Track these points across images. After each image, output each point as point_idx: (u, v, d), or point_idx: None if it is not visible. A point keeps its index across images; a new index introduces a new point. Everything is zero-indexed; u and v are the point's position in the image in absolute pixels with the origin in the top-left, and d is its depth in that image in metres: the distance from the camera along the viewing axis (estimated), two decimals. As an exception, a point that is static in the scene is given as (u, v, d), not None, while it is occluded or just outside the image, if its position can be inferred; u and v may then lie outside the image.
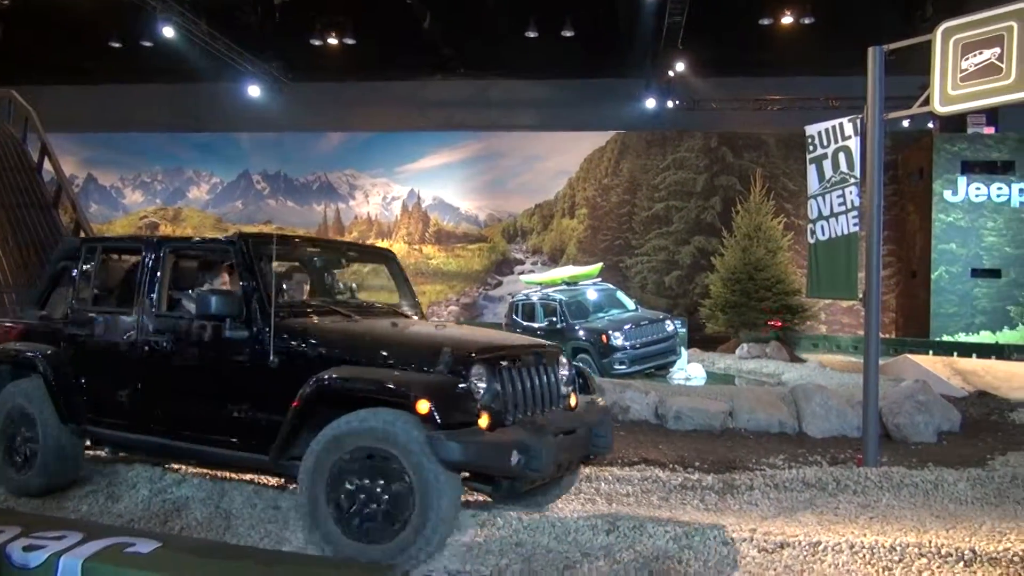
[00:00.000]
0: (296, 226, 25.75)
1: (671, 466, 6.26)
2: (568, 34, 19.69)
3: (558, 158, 24.61)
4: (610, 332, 11.84)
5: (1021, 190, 19.53)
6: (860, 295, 6.46)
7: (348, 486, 3.77)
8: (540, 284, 14.64)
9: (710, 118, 23.09)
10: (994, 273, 19.55)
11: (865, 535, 4.28)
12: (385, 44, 21.26)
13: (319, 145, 26.13)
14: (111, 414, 4.87)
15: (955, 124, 19.87)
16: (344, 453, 3.79)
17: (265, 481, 5.23)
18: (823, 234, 6.74)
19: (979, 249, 19.57)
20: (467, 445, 3.63)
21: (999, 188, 19.59)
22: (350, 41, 20.48)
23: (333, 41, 20.55)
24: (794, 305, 17.46)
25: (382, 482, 3.73)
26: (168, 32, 17.90)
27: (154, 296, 4.83)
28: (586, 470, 5.77)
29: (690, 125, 23.53)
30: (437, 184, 25.29)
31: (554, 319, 12.73)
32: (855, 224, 6.54)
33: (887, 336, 19.00)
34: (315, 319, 4.57)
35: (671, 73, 20.61)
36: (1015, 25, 5.58)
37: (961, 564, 3.94)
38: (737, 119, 23.01)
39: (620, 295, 13.93)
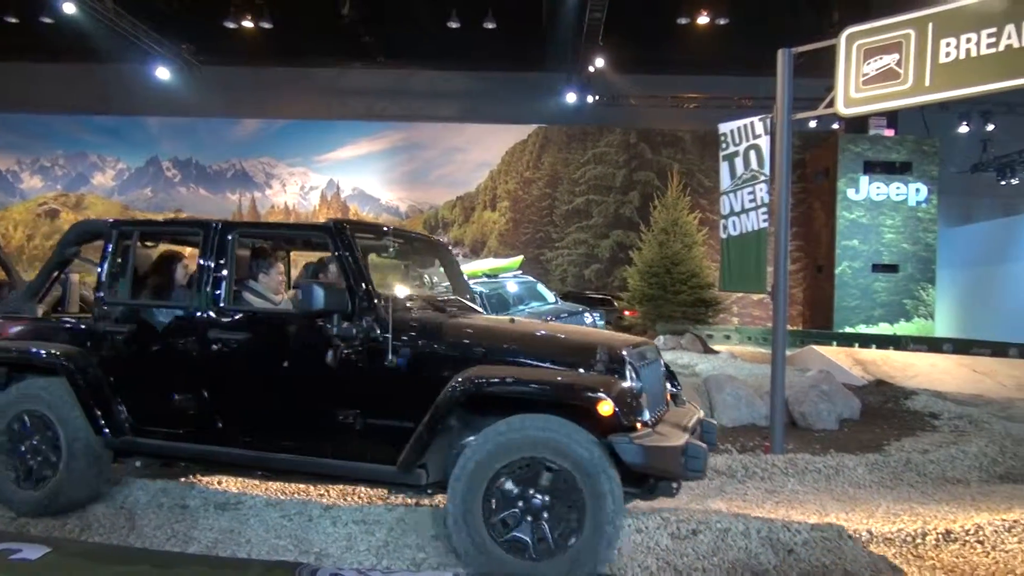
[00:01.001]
0: (208, 215, 24.92)
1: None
2: (490, 26, 19.67)
3: (480, 150, 24.63)
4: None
5: (917, 190, 20.66)
6: (769, 288, 6.70)
7: (510, 499, 3.43)
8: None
9: (629, 114, 23.52)
10: (892, 268, 20.65)
11: (772, 519, 4.44)
12: (303, 29, 20.75)
13: (233, 132, 25.31)
14: (164, 423, 4.21)
15: (858, 126, 20.87)
16: (505, 462, 3.43)
17: (171, 479, 5.04)
18: (735, 230, 6.95)
19: (879, 245, 20.62)
20: (649, 449, 3.36)
21: (898, 188, 20.67)
22: (266, 25, 19.89)
23: (248, 24, 19.91)
24: (708, 298, 17.97)
25: (549, 493, 3.41)
26: (69, 8, 16.94)
27: (222, 289, 4.21)
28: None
29: (610, 120, 23.93)
30: (357, 174, 24.91)
31: (475, 311, 12.71)
32: (765, 220, 6.77)
33: (794, 328, 19.80)
34: (428, 314, 4.10)
35: (592, 68, 20.87)
36: (912, 33, 5.87)
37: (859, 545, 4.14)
38: (655, 116, 23.51)
39: (540, 288, 14.03)
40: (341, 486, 4.91)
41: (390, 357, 3.71)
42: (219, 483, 4.94)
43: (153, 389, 4.25)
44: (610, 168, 24.10)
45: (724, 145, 7.12)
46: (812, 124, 20.12)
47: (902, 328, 19.97)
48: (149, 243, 4.95)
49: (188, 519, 4.34)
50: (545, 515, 3.40)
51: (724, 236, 7.06)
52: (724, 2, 19.02)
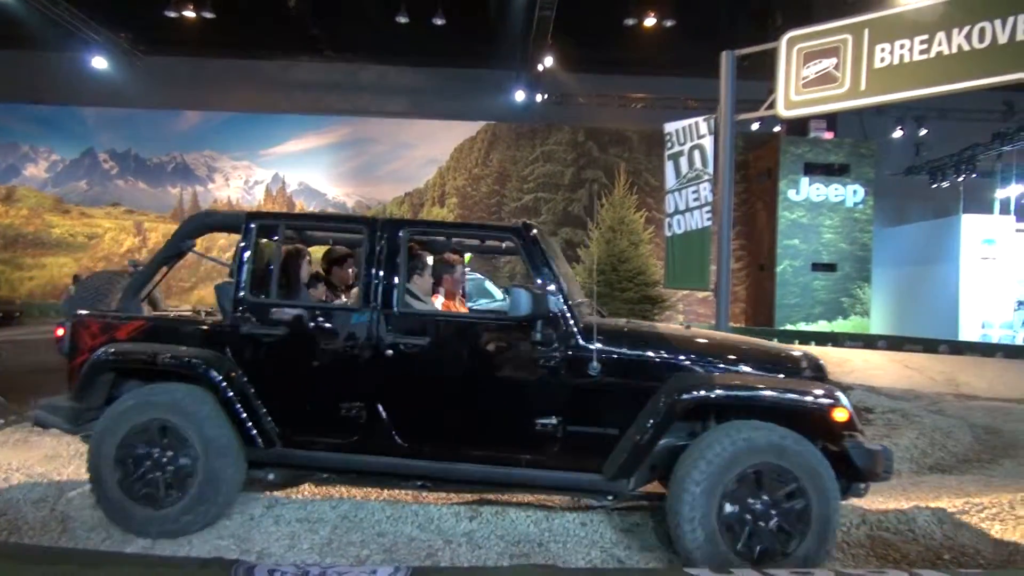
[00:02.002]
0: (148, 210, 24.23)
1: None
2: (439, 22, 19.59)
3: (428, 146, 24.51)
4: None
5: (855, 191, 21.32)
6: (712, 286, 6.84)
7: (743, 504, 3.46)
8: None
9: (577, 113, 23.71)
10: (831, 267, 21.27)
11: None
12: (248, 20, 20.35)
13: (174, 124, 24.66)
14: (323, 433, 3.93)
15: (799, 129, 21.43)
16: (740, 469, 3.45)
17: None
18: (679, 228, 7.08)
19: (819, 245, 21.22)
20: (874, 452, 3.51)
21: (836, 189, 21.29)
22: (209, 15, 19.43)
23: (190, 14, 19.43)
24: (654, 296, 18.24)
25: (779, 500, 3.45)
26: (-1, -8, 16.30)
27: (395, 291, 3.94)
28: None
29: (558, 119, 24.08)
30: (303, 169, 24.52)
31: (423, 308, 12.64)
32: (708, 219, 6.91)
33: (737, 325, 20.24)
34: (620, 321, 4.10)
35: (540, 67, 20.97)
36: (849, 38, 6.05)
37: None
38: (603, 115, 23.75)
39: (488, 285, 14.01)
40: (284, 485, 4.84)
41: (594, 364, 3.68)
42: (157, 483, 4.82)
43: (309, 397, 3.97)
44: (559, 166, 24.24)
45: (669, 144, 7.24)
46: (755, 126, 20.58)
47: (839, 325, 20.60)
48: (264, 239, 4.43)
49: (124, 520, 4.21)
50: (774, 521, 3.46)
51: (669, 234, 7.18)
52: (671, 4, 19.32)
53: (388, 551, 3.78)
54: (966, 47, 5.54)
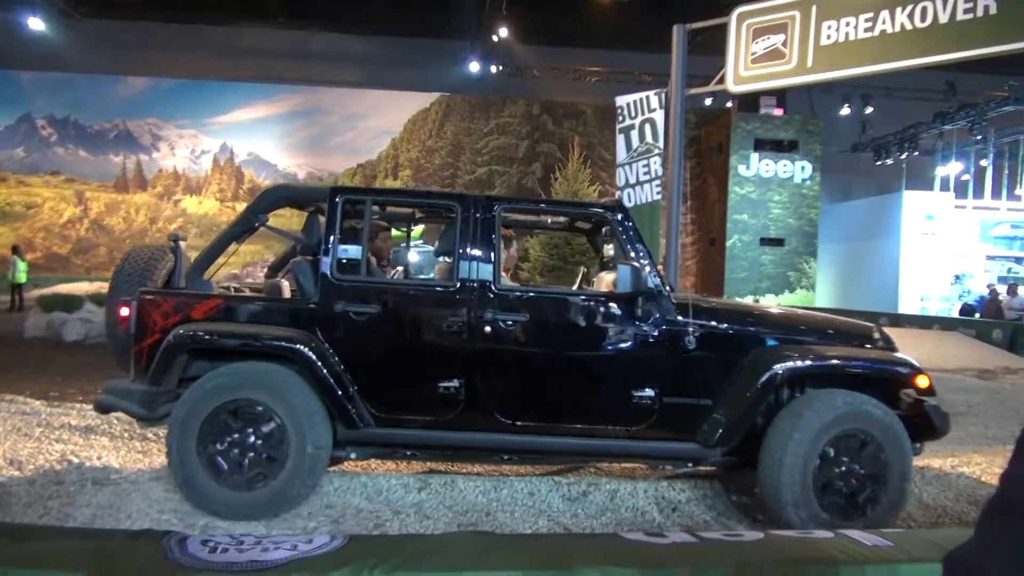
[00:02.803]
0: (89, 178, 23.45)
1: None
2: (392, -10, 19.25)
3: (381, 117, 24.16)
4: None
5: (803, 167, 21.70)
6: (661, 259, 6.92)
7: (831, 466, 3.72)
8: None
9: (532, 85, 23.59)
10: (778, 242, 21.70)
11: (660, 482, 4.64)
12: (193, -17, 19.69)
13: (117, 90, 23.82)
14: (415, 412, 3.91)
15: (750, 105, 21.66)
16: (833, 434, 3.70)
17: (47, 456, 4.78)
18: (629, 201, 7.13)
19: (767, 220, 21.61)
20: (946, 415, 3.91)
21: (785, 165, 21.65)
22: (152, -24, 18.75)
23: (132, -25, 18.70)
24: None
25: (863, 461, 3.73)
26: (-76, -53, 15.43)
27: (492, 267, 3.93)
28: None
29: (513, 91, 23.93)
30: (252, 138, 23.97)
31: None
32: (658, 192, 6.97)
33: (688, 299, 20.51)
34: (707, 298, 4.24)
35: (495, 38, 20.77)
36: (797, 15, 6.12)
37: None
38: (558, 88, 23.67)
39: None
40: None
41: (690, 337, 3.84)
42: (98, 458, 4.73)
43: (403, 375, 3.93)
44: (513, 139, 24.15)
45: (621, 118, 7.26)
46: (708, 101, 20.77)
47: (786, 299, 21.08)
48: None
49: (63, 496, 4.12)
50: (859, 481, 3.72)
51: (620, 208, 7.23)
52: (626, -23, 19.25)
53: (335, 522, 3.78)
54: (908, 26, 5.65)
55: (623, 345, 3.91)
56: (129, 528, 3.59)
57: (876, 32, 5.76)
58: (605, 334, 3.93)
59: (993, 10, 5.24)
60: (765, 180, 21.55)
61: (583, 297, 4.08)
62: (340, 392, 3.78)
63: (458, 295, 3.90)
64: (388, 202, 4.64)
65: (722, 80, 6.57)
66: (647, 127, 7.05)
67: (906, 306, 19.78)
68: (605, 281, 4.53)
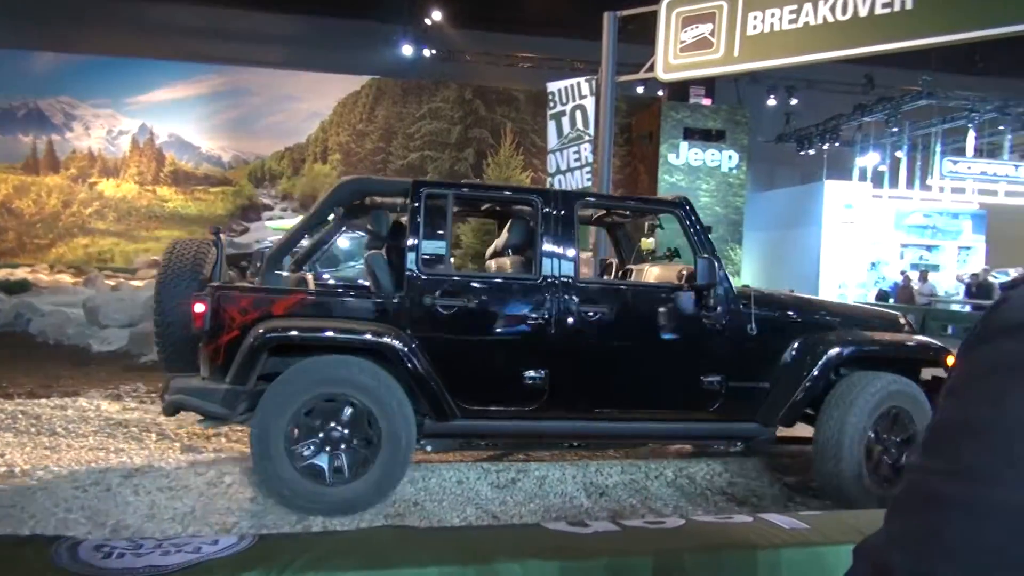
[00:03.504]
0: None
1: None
2: (320, -32, 18.75)
3: (310, 100, 23.58)
4: (359, 281, 11.67)
5: (730, 157, 22.19)
6: (591, 247, 6.95)
7: (881, 444, 4.15)
8: (289, 231, 14.01)
9: (465, 70, 23.40)
10: (707, 229, 22.12)
11: (588, 467, 4.66)
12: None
13: (25, 65, 22.56)
14: (498, 402, 3.98)
15: (680, 94, 21.99)
16: (882, 411, 4.13)
17: (-56, 452, 4.48)
18: (560, 187, 7.12)
19: (696, 208, 22.01)
20: None
21: (713, 154, 22.09)
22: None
23: (40, -57, 17.69)
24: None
25: (904, 436, 4.16)
26: None
27: (573, 261, 4.07)
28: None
29: (445, 76, 23.68)
30: (174, 119, 23.08)
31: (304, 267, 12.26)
32: (588, 179, 6.99)
33: (619, 285, 20.77)
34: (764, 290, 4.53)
35: (428, 21, 20.50)
36: (725, 5, 6.20)
37: (663, 484, 4.43)
38: (491, 73, 23.54)
39: (372, 244, 13.77)
40: (146, 453, 4.60)
41: (752, 325, 4.14)
42: (0, 456, 4.46)
43: (488, 367, 3.99)
44: (445, 124, 23.93)
45: (552, 104, 7.24)
46: (640, 90, 20.97)
47: (713, 285, 21.54)
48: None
49: (-36, 491, 3.88)
50: (895, 451, 4.15)
51: (550, 194, 7.22)
52: (558, -37, 19.23)
53: (257, 517, 3.66)
54: (830, 19, 5.78)
55: (695, 334, 4.15)
56: (35, 531, 3.40)
57: (800, 24, 5.88)
58: (679, 324, 4.15)
59: (909, 5, 5.41)
60: (694, 169, 21.95)
61: (660, 289, 4.26)
62: (431, 385, 3.83)
63: (541, 288, 4.01)
64: (468, 196, 4.60)
65: (652, 68, 6.62)
66: (578, 113, 7.06)
67: (826, 292, 20.50)
68: (652, 274, 4.80)
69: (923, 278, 17.59)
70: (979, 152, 21.79)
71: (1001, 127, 21.31)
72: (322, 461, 3.69)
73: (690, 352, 4.17)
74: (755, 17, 6.10)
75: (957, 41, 5.78)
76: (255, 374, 3.70)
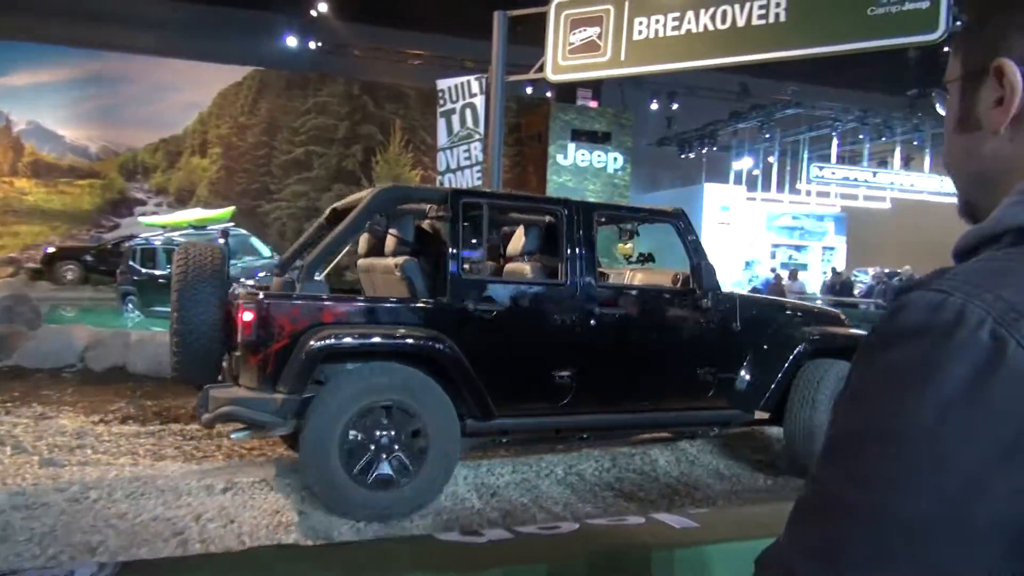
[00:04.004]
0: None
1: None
2: (198, -48, 17.84)
3: (188, 90, 22.41)
4: (242, 280, 11.20)
5: (615, 159, 22.78)
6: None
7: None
8: (163, 227, 13.28)
9: (353, 65, 22.90)
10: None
11: (479, 468, 4.63)
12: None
13: None
14: (532, 400, 4.22)
15: (568, 96, 22.37)
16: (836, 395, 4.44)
17: None
18: (450, 186, 7.07)
19: (583, 208, 22.46)
20: None
21: (599, 156, 22.61)
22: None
23: None
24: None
25: None
26: None
27: (592, 266, 4.38)
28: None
29: (333, 69, 23.09)
30: (34, 106, 21.38)
31: (179, 266, 11.64)
32: (478, 178, 6.97)
33: (508, 284, 20.90)
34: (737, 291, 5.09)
35: (314, 13, 19.90)
36: (611, 9, 6.32)
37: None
38: (379, 69, 23.15)
39: (255, 241, 13.27)
40: (0, 468, 4.21)
41: (736, 323, 4.57)
42: None
43: (524, 368, 4.20)
44: (332, 119, 23.34)
45: (442, 102, 7.18)
46: (528, 90, 21.17)
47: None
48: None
49: None
50: None
51: (441, 192, 7.16)
52: (448, -39, 19.12)
53: (126, 535, 3.41)
54: (711, 27, 6.00)
55: (695, 332, 4.57)
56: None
57: (683, 31, 6.07)
58: (684, 323, 4.58)
59: (783, 18, 5.69)
60: (581, 170, 22.39)
61: (667, 292, 4.66)
62: (474, 386, 3.97)
63: (569, 292, 4.27)
64: (501, 205, 4.84)
65: (541, 69, 6.66)
66: (468, 112, 7.02)
67: (705, 290, 21.36)
68: (638, 277, 5.22)
69: (793, 276, 18.63)
70: (841, 159, 23.33)
71: (861, 136, 22.90)
72: (375, 467, 3.74)
73: (691, 348, 4.60)
74: (640, 23, 6.25)
75: (824, 54, 6.13)
76: (310, 382, 3.71)
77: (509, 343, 4.18)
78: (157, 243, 12.21)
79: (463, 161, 6.97)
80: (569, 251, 4.32)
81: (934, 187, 22.46)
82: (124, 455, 4.70)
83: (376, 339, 3.84)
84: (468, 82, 7.01)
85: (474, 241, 4.33)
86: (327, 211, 4.94)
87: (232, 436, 3.91)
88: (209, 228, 12.80)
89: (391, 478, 3.75)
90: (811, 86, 21.52)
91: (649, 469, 4.88)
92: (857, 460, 0.54)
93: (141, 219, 17.22)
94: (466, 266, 4.18)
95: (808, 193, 23.06)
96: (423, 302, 4.05)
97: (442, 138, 7.13)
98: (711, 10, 5.97)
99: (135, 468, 4.40)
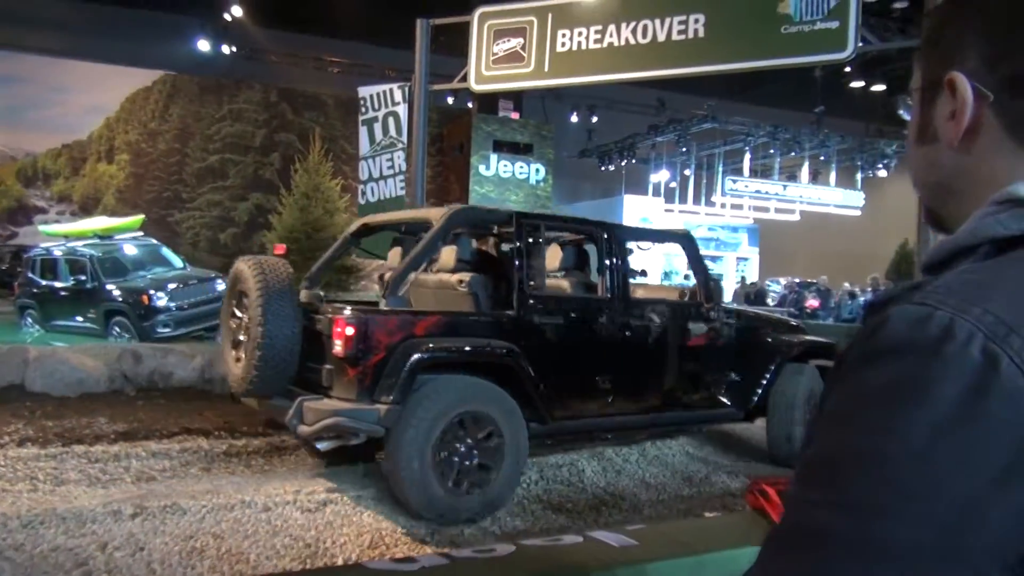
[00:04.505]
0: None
1: (216, 433, 5.86)
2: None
3: (93, 93, 21.41)
4: (152, 292, 10.69)
5: (537, 170, 22.97)
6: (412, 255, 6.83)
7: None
8: (66, 236, 12.57)
9: (270, 71, 22.35)
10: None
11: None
12: None
13: None
14: (582, 404, 4.64)
15: (489, 107, 22.45)
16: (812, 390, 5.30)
17: None
18: (372, 196, 6.96)
19: (506, 218, 22.53)
20: None
21: (521, 167, 22.75)
22: None
23: None
24: (349, 265, 17.96)
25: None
26: None
27: (626, 281, 4.88)
28: (114, 448, 5.09)
29: (248, 75, 22.49)
30: (-80, 107, 20.02)
31: (83, 277, 11.02)
32: (402, 187, 6.87)
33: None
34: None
35: (228, 17, 19.31)
36: (535, 20, 6.34)
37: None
38: (298, 76, 22.68)
39: (166, 251, 12.70)
40: None
41: (732, 332, 5.22)
42: None
43: (576, 375, 4.58)
44: (249, 127, 22.71)
45: (364, 110, 7.06)
46: (450, 100, 21.14)
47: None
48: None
49: None
50: None
51: (363, 202, 7.03)
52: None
53: (23, 568, 3.16)
54: (632, 41, 6.10)
55: (701, 339, 5.11)
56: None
57: (605, 44, 6.15)
58: (697, 332, 5.10)
59: (702, 34, 5.83)
60: (504, 180, 22.47)
61: (683, 305, 5.19)
62: (538, 393, 4.30)
63: (610, 304, 4.74)
64: (556, 227, 5.28)
65: (465, 78, 6.62)
66: (391, 120, 6.92)
67: (626, 300, 21.73)
68: (639, 292, 5.57)
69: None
70: (754, 172, 24.16)
71: (772, 151, 23.78)
72: (460, 473, 4.00)
73: (703, 354, 5.14)
74: (564, 35, 6.30)
75: (740, 69, 6.32)
76: (411, 392, 3.92)
77: (563, 352, 4.57)
78: (58, 253, 11.55)
79: (386, 170, 6.86)
80: (610, 268, 4.83)
81: (838, 200, 23.54)
82: (22, 480, 4.38)
83: (467, 350, 4.15)
84: (391, 90, 6.90)
85: (538, 257, 4.65)
86: (356, 225, 5.32)
87: (319, 447, 4.16)
88: (116, 238, 12.21)
89: (476, 482, 4.02)
90: (726, 102, 22.23)
91: (576, 480, 4.87)
92: (842, 485, 0.50)
93: (41, 228, 16.28)
94: (531, 282, 4.48)
95: (723, 205, 23.77)
96: (496, 315, 4.40)
97: (364, 147, 7.00)
98: (632, 24, 6.06)
99: (34, 495, 4.11)
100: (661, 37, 6.03)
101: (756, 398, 5.29)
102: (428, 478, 3.87)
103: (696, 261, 5.30)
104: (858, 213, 23.77)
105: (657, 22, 6.00)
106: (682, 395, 5.11)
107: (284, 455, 5.37)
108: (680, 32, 5.97)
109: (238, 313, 4.46)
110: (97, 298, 10.67)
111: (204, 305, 11.44)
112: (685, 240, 5.38)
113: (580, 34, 6.24)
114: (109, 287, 10.90)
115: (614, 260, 4.82)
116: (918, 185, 0.69)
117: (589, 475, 4.98)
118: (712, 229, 23.80)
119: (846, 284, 17.38)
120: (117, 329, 10.64)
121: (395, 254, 5.12)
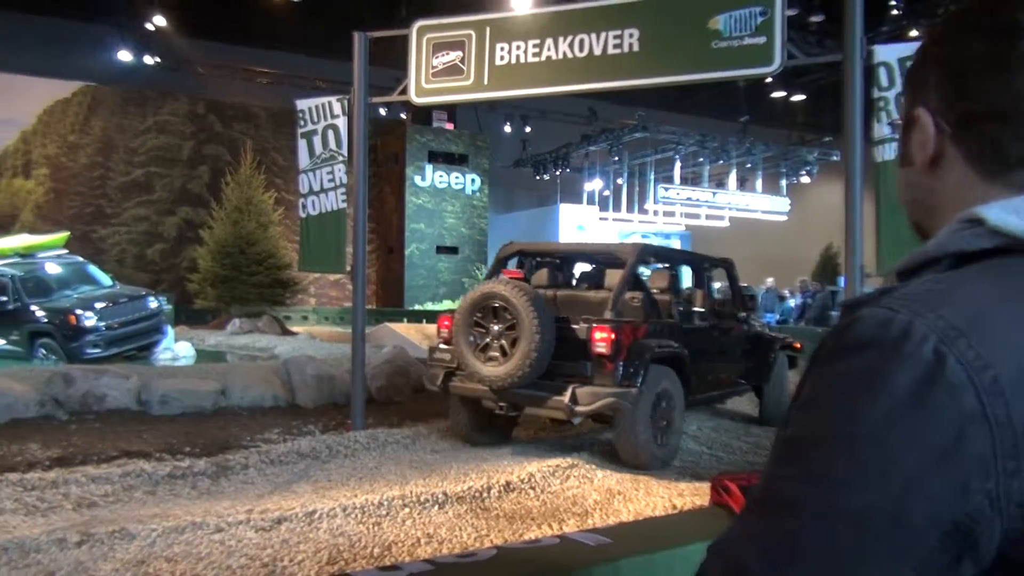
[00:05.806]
0: None
1: (157, 455, 5.71)
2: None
3: (6, 105, 20.45)
4: (79, 312, 10.33)
5: (473, 180, 23.06)
6: (348, 268, 6.79)
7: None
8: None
9: (196, 83, 21.82)
10: (453, 250, 22.76)
11: (356, 496, 4.51)
12: None
13: None
14: (702, 383, 6.34)
15: (423, 118, 22.43)
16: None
17: None
18: (313, 209, 6.88)
19: (442, 229, 22.54)
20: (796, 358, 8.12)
21: (457, 177, 22.81)
22: None
23: None
24: (285, 279, 17.68)
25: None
26: None
27: (710, 299, 7.12)
28: (50, 474, 4.92)
29: (174, 87, 21.89)
30: None
31: (3, 298, 10.57)
32: (343, 200, 6.82)
33: (369, 307, 20.57)
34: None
35: (150, 26, 18.78)
36: (473, 34, 6.41)
37: (436, 507, 4.43)
38: (225, 87, 22.21)
39: (92, 269, 12.28)
40: None
41: (752, 332, 7.41)
42: None
43: (699, 361, 6.17)
44: (175, 139, 22.10)
45: (302, 123, 6.98)
46: (383, 112, 21.04)
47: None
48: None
49: None
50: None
51: (303, 215, 6.94)
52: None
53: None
54: (570, 55, 6.22)
55: (741, 338, 7.22)
56: None
57: (543, 58, 6.25)
58: (742, 333, 7.27)
59: (636, 48, 6.00)
60: (439, 191, 22.48)
61: (736, 314, 7.28)
62: (688, 377, 5.95)
63: (712, 314, 6.91)
64: (676, 258, 7.96)
65: (405, 91, 6.65)
66: (330, 133, 6.87)
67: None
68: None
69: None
70: (684, 180, 24.81)
71: (701, 159, 24.46)
72: (658, 432, 5.61)
73: (739, 348, 7.17)
74: (502, 48, 6.37)
75: (673, 82, 6.52)
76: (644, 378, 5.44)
77: (697, 348, 6.16)
78: (-25, 273, 11.03)
79: (327, 183, 6.79)
80: (708, 287, 7.19)
81: (766, 206, 24.35)
82: (-48, 513, 4.20)
83: (675, 348, 5.81)
84: (329, 103, 6.85)
85: (676, 280, 6.87)
86: (511, 250, 6.97)
87: (574, 421, 5.48)
88: (38, 256, 11.74)
89: (665, 440, 5.69)
90: (655, 111, 22.77)
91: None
92: (811, 460, 0.59)
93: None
94: (683, 296, 6.78)
95: (656, 212, 24.31)
96: (671, 324, 6.19)
97: (303, 160, 6.91)
98: (569, 39, 6.19)
99: (-28, 526, 3.94)
100: (597, 51, 6.17)
101: (765, 375, 7.33)
102: (649, 439, 5.45)
103: (734, 281, 7.50)
104: (784, 218, 24.65)
105: (593, 36, 6.14)
106: (736, 376, 7.09)
107: (231, 475, 5.28)
108: (616, 46, 6.13)
109: (491, 326, 5.54)
110: (20, 319, 10.25)
111: (135, 323, 11.12)
112: (728, 265, 7.40)
113: (518, 48, 6.34)
114: (33, 308, 10.47)
115: (708, 282, 7.21)
116: (903, 201, 0.80)
117: (539, 479, 5.06)
118: (646, 236, 24.29)
119: (769, 280, 18.01)
120: (43, 351, 10.24)
121: (541, 275, 6.71)
